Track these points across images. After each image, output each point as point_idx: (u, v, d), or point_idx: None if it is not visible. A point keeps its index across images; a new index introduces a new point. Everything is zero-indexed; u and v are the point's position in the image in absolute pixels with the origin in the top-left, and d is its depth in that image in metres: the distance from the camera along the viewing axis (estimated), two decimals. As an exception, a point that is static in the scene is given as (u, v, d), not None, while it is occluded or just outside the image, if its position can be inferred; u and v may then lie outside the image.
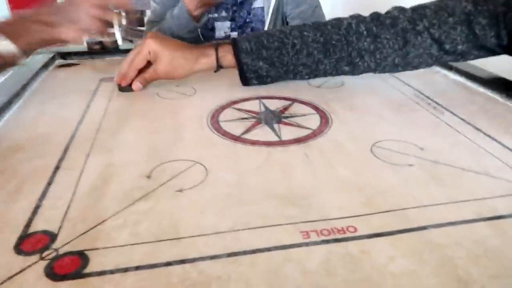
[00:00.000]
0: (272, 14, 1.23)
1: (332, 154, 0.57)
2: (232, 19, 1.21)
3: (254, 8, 1.22)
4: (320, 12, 1.29)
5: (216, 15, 1.21)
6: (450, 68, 0.88)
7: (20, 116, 0.68)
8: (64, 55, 0.97)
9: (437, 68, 0.92)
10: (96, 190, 0.48)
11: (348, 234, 0.41)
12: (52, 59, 0.94)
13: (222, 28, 1.22)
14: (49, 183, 0.49)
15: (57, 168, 0.53)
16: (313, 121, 0.66)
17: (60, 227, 0.42)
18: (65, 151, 0.57)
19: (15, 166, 0.53)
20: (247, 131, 0.63)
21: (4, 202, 0.46)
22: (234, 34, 1.24)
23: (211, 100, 0.75)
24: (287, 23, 1.28)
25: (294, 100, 0.75)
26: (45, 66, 0.89)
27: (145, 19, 3.71)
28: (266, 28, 1.23)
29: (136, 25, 3.34)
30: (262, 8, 1.23)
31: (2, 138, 0.60)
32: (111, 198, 0.47)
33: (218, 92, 0.79)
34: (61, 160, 0.55)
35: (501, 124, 0.65)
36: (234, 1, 1.20)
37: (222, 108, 0.72)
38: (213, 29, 1.21)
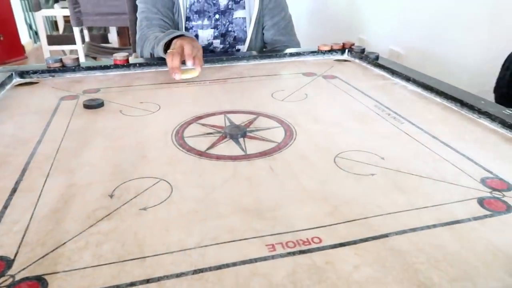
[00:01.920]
0: (254, 24, 1.26)
1: (296, 166, 0.57)
2: (214, 27, 1.24)
3: (236, 18, 1.25)
4: (292, 27, 1.34)
5: (200, 22, 1.22)
6: (408, 80, 0.92)
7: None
8: (22, 74, 0.94)
9: (396, 80, 0.95)
10: (56, 212, 0.46)
11: (313, 245, 0.42)
12: (9, 78, 0.91)
13: (205, 36, 1.24)
14: (5, 207, 0.47)
15: (14, 190, 0.51)
16: (278, 134, 0.67)
17: (16, 252, 0.40)
18: (23, 172, 0.55)
19: (-31, 190, 0.50)
20: (212, 146, 0.63)
21: (-45, 228, 0.43)
22: (216, 42, 1.26)
23: (176, 116, 0.74)
24: (263, 34, 1.31)
25: (259, 114, 0.76)
26: (2, 85, 0.86)
27: (109, 36, 3.64)
28: (248, 38, 1.26)
29: (99, 42, 3.29)
30: (244, 18, 1.26)
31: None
32: (72, 219, 0.45)
33: (183, 107, 0.79)
34: (18, 182, 0.52)
35: (456, 132, 0.68)
36: (217, 10, 1.22)
37: (187, 123, 0.71)
38: (196, 36, 1.23)
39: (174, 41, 0.97)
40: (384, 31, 2.18)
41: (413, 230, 0.44)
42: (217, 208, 0.48)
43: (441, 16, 1.68)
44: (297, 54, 1.15)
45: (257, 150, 0.62)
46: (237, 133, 0.66)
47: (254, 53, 1.18)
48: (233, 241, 0.42)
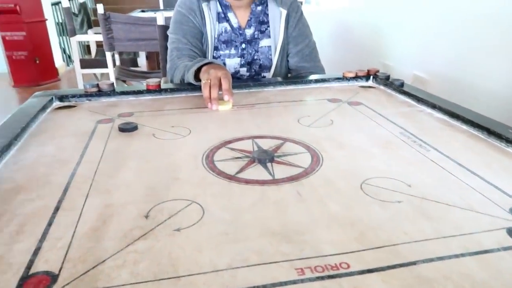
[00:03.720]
0: (279, 52, 1.31)
1: (323, 191, 0.59)
2: (241, 56, 1.29)
3: (261, 46, 1.31)
4: (316, 53, 1.38)
5: (227, 51, 1.28)
6: (434, 107, 0.92)
7: (20, 158, 0.69)
8: (62, 98, 1.00)
9: (421, 107, 0.96)
10: (95, 231, 0.49)
11: (341, 271, 0.43)
12: (50, 101, 0.96)
13: (232, 64, 1.29)
14: (50, 224, 0.50)
15: (57, 209, 0.54)
16: (305, 160, 0.69)
17: (61, 268, 0.43)
18: (65, 192, 0.58)
19: (16, 207, 0.54)
20: (241, 170, 0.65)
21: (5, 244, 0.47)
22: (243, 70, 1.31)
23: (206, 140, 0.77)
24: (287, 61, 1.35)
25: (285, 140, 0.78)
26: (43, 108, 0.91)
27: (138, 60, 3.76)
28: (273, 65, 1.31)
29: (129, 65, 3.40)
30: (269, 47, 1.31)
31: (2, 180, 0.62)
32: (111, 238, 0.48)
33: (212, 132, 0.82)
34: (60, 201, 0.56)
35: (483, 160, 0.68)
36: (243, 39, 1.28)
37: (216, 147, 0.74)
38: (224, 65, 1.28)
39: (205, 68, 1.01)
40: (409, 56, 2.19)
41: (441, 258, 0.45)
42: (246, 230, 0.50)
43: (467, 41, 1.68)
44: (322, 80, 1.18)
45: (284, 175, 0.64)
46: (265, 158, 0.68)
47: (280, 79, 1.21)
48: (263, 263, 0.44)
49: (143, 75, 2.80)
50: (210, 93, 0.95)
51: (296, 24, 1.31)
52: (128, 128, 0.81)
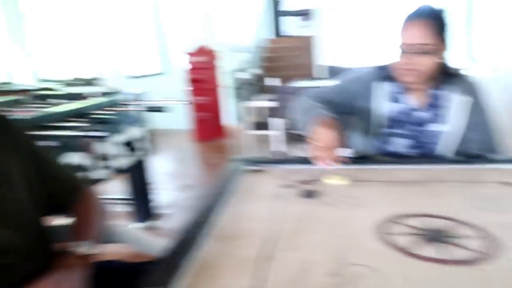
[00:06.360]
0: (453, 139, 1.26)
1: (502, 283, 0.60)
2: (411, 138, 1.29)
3: (434, 131, 1.27)
4: (497, 138, 1.26)
5: (396, 131, 1.30)
6: None
7: (234, 212, 0.89)
8: (252, 163, 1.20)
9: None
10: (291, 281, 0.62)
11: None
12: (243, 165, 1.18)
13: (400, 144, 1.30)
14: (256, 268, 0.66)
15: (259, 257, 0.69)
16: (479, 245, 0.70)
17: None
18: (265, 244, 0.74)
19: (235, 251, 0.72)
20: (415, 246, 0.71)
21: (230, 277, 0.63)
22: (411, 152, 1.29)
23: (378, 213, 0.85)
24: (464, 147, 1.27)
25: (458, 221, 0.79)
26: (241, 171, 1.13)
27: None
28: (444, 152, 1.26)
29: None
30: (443, 132, 1.26)
31: (226, 228, 0.82)
32: (305, 290, 0.60)
33: (385, 205, 0.89)
34: (261, 251, 0.71)
35: None
36: (415, 121, 1.28)
37: (390, 221, 0.81)
38: (392, 144, 1.31)
39: (316, 131, 1.14)
40: None
41: None
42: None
43: None
44: (502, 161, 1.13)
45: (459, 258, 0.67)
46: (438, 237, 0.72)
47: (454, 157, 1.20)
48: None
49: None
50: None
51: (478, 111, 1.25)
52: (309, 195, 0.95)
